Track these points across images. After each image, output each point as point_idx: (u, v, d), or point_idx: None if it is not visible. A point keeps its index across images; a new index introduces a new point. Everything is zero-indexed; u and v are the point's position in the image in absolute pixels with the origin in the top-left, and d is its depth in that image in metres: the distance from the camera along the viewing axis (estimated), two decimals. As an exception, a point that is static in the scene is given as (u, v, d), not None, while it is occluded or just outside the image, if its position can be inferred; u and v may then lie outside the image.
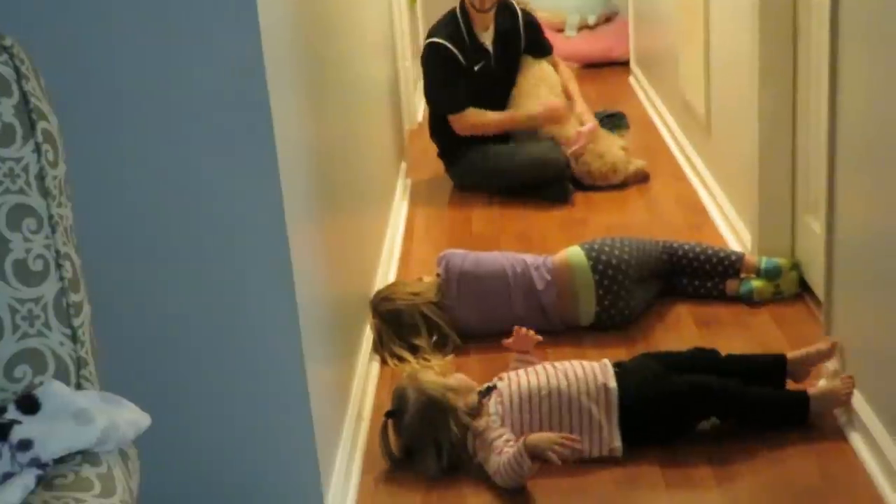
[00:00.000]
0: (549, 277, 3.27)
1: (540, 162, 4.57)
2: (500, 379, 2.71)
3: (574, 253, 3.30)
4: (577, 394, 2.62)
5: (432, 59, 4.78)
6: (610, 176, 4.68)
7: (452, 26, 4.75)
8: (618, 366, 2.75)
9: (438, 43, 4.73)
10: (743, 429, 2.67)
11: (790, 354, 2.78)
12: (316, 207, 2.51)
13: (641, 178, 4.74)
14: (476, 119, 4.72)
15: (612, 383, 2.63)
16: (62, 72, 1.89)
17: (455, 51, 4.69)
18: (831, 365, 2.74)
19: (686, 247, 3.43)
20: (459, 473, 2.61)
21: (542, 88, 4.83)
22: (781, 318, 3.27)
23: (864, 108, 2.48)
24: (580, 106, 4.85)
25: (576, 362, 2.73)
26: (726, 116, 4.08)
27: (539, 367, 2.72)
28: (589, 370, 2.67)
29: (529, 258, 3.37)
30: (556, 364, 2.72)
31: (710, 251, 3.43)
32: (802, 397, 2.66)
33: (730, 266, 3.40)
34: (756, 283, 3.37)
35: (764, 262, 3.38)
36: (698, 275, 3.42)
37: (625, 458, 2.61)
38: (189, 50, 1.98)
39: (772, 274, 3.37)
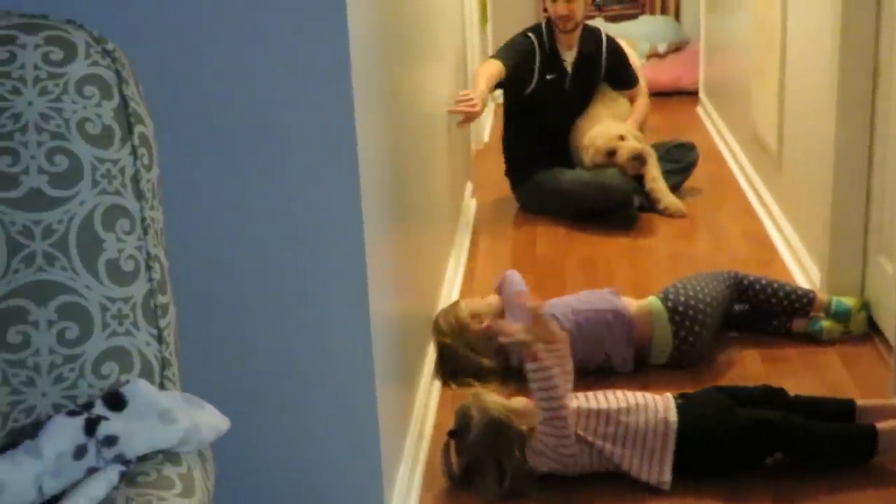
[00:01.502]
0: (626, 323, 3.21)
1: (606, 188, 4.56)
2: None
3: (653, 304, 3.23)
4: (636, 419, 2.61)
5: (514, 37, 4.85)
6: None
7: (540, 34, 4.81)
8: (682, 397, 2.73)
9: (528, 35, 4.82)
10: (809, 466, 2.63)
11: (860, 402, 2.74)
12: (390, 223, 2.53)
13: (674, 214, 4.70)
14: (485, 67, 4.71)
15: (673, 417, 2.62)
16: (152, 78, 1.93)
17: (536, 49, 4.75)
18: None
19: (756, 279, 3.37)
20: (520, 499, 2.60)
21: (605, 118, 4.83)
22: (849, 358, 3.23)
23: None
24: (627, 124, 4.82)
25: (638, 393, 2.72)
26: (799, 151, 4.04)
27: (600, 393, 2.71)
28: (651, 401, 2.67)
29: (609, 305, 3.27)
30: (619, 392, 2.71)
31: (782, 287, 3.37)
32: (871, 431, 2.62)
33: (802, 305, 3.35)
34: (825, 323, 3.33)
35: (834, 304, 3.34)
36: (765, 309, 3.37)
37: (685, 490, 2.59)
38: (279, 63, 2.01)
39: (842, 317, 3.32)
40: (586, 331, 3.14)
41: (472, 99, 4.30)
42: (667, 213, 4.69)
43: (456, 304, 3.42)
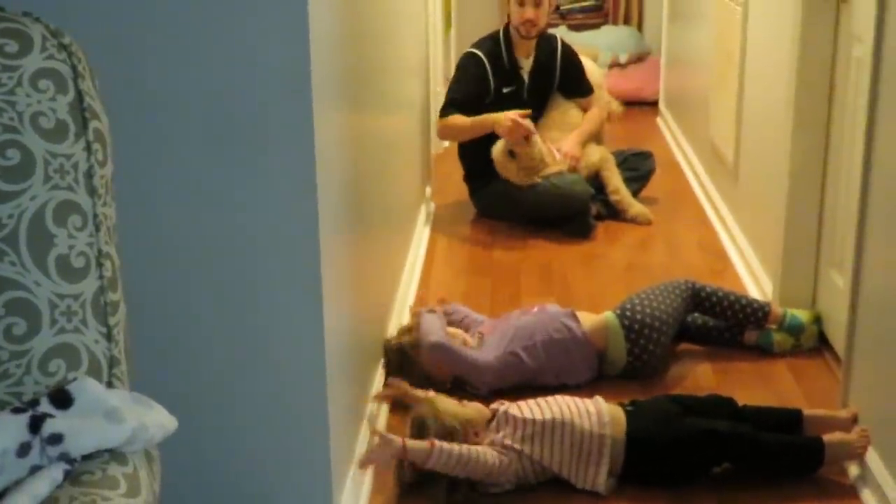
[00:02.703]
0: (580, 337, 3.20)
1: (564, 194, 4.57)
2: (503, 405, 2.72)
3: (610, 321, 3.22)
4: (571, 428, 2.63)
5: (462, 65, 4.83)
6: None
7: (494, 45, 4.79)
8: (633, 404, 2.75)
9: (475, 54, 4.78)
10: (756, 475, 2.66)
11: (807, 412, 2.77)
12: (347, 226, 2.52)
13: (642, 222, 4.74)
14: (451, 122, 4.71)
15: (607, 419, 2.65)
16: (108, 74, 1.91)
17: (488, 67, 4.72)
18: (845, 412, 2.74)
19: (713, 291, 3.36)
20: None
21: (553, 130, 4.83)
22: (798, 370, 3.26)
23: (899, 166, 2.49)
24: (571, 137, 4.80)
25: (575, 399, 2.74)
26: (755, 164, 4.08)
27: (534, 403, 2.72)
28: (584, 407, 2.69)
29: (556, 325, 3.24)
30: (552, 400, 2.72)
31: (738, 300, 3.37)
32: (818, 444, 2.65)
33: (757, 317, 3.36)
34: (777, 336, 3.36)
35: (789, 317, 3.36)
36: (720, 320, 3.39)
37: (630, 496, 2.60)
38: (237, 62, 2.00)
39: (794, 330, 3.35)
40: (545, 363, 3.15)
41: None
42: (635, 222, 4.72)
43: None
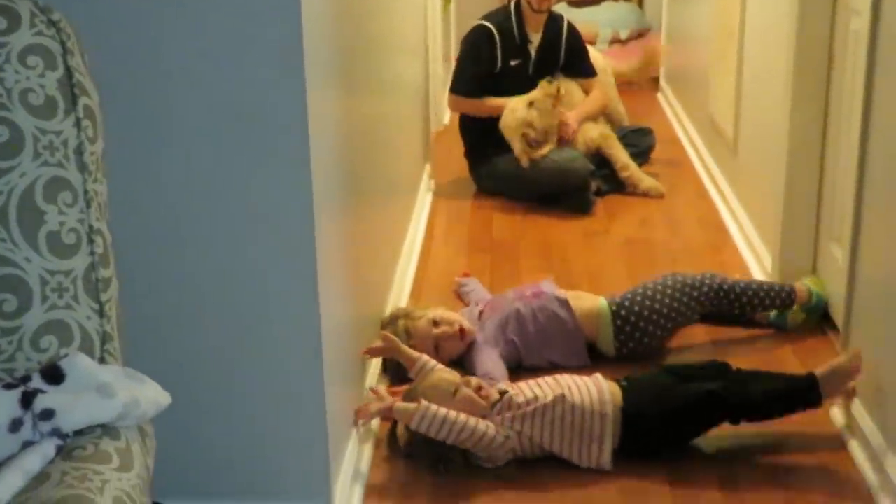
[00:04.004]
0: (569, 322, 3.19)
1: (563, 170, 4.57)
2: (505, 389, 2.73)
3: (602, 311, 3.18)
4: (571, 406, 2.63)
5: (470, 39, 4.86)
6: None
7: (505, 18, 4.81)
8: (627, 379, 2.76)
9: (485, 26, 4.80)
10: (755, 446, 2.68)
11: (819, 370, 2.74)
12: (344, 206, 2.52)
13: (654, 195, 4.75)
14: (466, 100, 4.82)
15: (608, 397, 2.65)
16: (99, 52, 1.91)
17: (497, 40, 4.73)
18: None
19: (733, 284, 3.25)
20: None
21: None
22: (797, 342, 3.27)
23: (895, 137, 2.48)
24: (570, 113, 4.79)
25: (574, 377, 2.74)
26: (754, 138, 4.07)
27: (534, 382, 2.73)
28: (584, 385, 2.69)
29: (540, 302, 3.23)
30: (551, 379, 2.73)
31: (760, 289, 3.28)
32: (810, 378, 2.67)
33: (782, 302, 3.29)
34: (791, 314, 3.33)
35: (815, 298, 3.31)
36: (746, 314, 3.33)
37: (632, 472, 2.61)
38: (230, 40, 2.00)
39: (815, 310, 3.32)
40: (537, 352, 3.15)
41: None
42: (648, 196, 4.73)
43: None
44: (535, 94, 4.62)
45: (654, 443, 2.65)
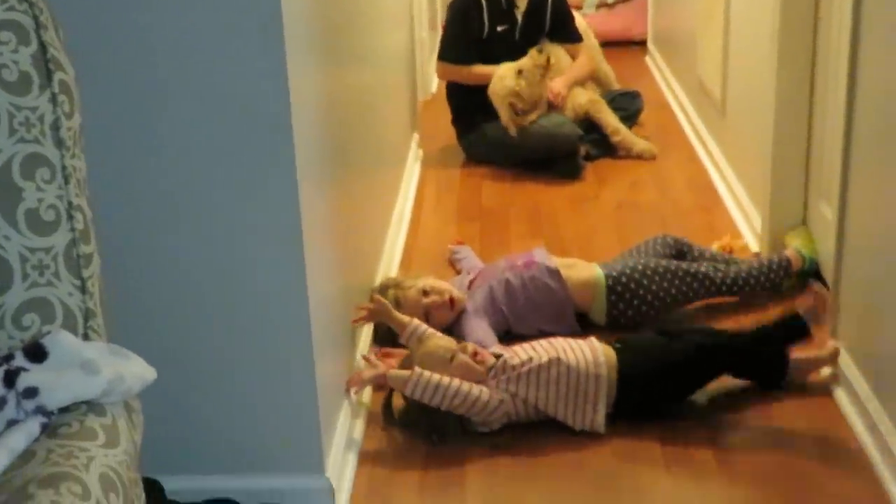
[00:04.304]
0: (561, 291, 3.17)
1: (551, 135, 4.55)
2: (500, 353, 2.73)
3: (598, 283, 3.16)
4: (566, 368, 2.63)
5: (457, 5, 4.84)
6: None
7: None
8: (619, 341, 2.76)
9: None
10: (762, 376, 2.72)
11: (793, 356, 2.77)
12: (329, 171, 2.50)
13: (648, 158, 4.74)
14: (454, 67, 4.81)
15: (602, 359, 2.66)
16: (76, 26, 1.89)
17: (484, 6, 4.73)
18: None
19: (733, 280, 3.22)
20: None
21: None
22: (789, 302, 3.26)
23: (882, 96, 2.47)
24: (558, 78, 4.77)
25: (567, 339, 2.75)
26: (742, 99, 4.06)
27: (528, 345, 2.73)
28: (578, 347, 2.70)
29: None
30: (545, 342, 2.74)
31: (757, 272, 3.26)
32: (795, 315, 2.74)
33: (780, 278, 3.29)
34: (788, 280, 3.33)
35: (808, 264, 3.30)
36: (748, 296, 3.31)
37: (625, 434, 2.62)
38: (207, 6, 1.98)
39: (809, 273, 3.31)
40: (528, 322, 3.14)
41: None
42: (641, 158, 4.73)
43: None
44: (524, 62, 4.60)
45: (650, 402, 2.67)
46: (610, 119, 4.80)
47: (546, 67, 4.58)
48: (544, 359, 2.64)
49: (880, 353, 2.51)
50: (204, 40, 2.00)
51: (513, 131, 4.56)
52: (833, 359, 2.73)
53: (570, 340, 2.74)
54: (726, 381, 2.76)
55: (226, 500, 2.27)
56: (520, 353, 2.69)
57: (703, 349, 2.67)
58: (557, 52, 4.89)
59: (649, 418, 2.65)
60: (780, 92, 3.38)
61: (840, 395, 2.71)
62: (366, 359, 2.71)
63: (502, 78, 4.59)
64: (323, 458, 2.29)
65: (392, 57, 4.22)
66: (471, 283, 3.29)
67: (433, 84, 6.11)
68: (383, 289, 3.09)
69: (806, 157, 3.42)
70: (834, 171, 2.84)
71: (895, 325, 2.40)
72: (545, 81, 4.62)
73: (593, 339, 2.75)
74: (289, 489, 2.28)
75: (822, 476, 2.43)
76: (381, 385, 2.69)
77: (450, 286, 3.18)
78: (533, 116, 4.59)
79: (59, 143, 1.50)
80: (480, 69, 4.74)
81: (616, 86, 5.30)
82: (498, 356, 2.69)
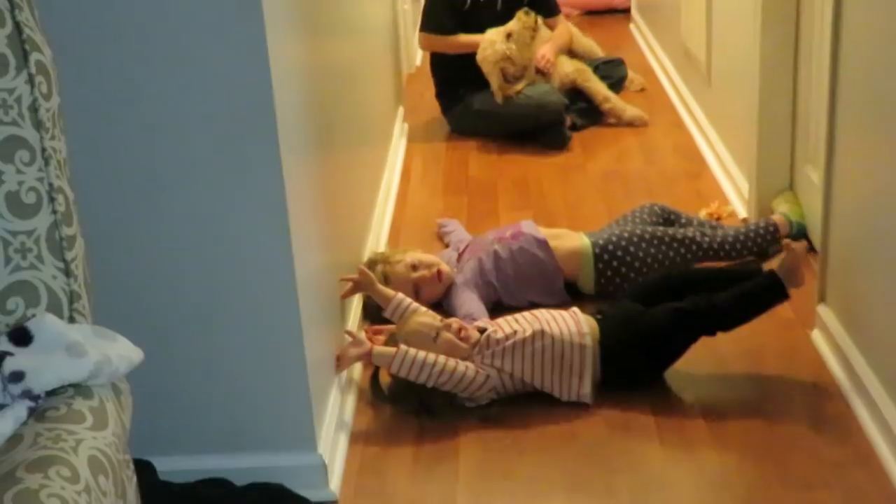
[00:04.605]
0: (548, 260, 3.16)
1: (537, 105, 4.53)
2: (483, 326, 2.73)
3: (584, 252, 3.16)
4: (550, 340, 2.63)
5: None
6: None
7: None
8: (600, 313, 2.75)
9: None
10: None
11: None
12: (313, 147, 2.49)
13: (639, 124, 4.73)
14: (438, 38, 4.78)
15: (586, 330, 2.66)
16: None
17: None
18: None
19: (720, 245, 3.23)
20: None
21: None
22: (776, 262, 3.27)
23: (866, 60, 2.46)
24: (544, 46, 4.76)
25: (551, 311, 2.74)
26: (727, 65, 4.05)
27: (520, 315, 2.73)
28: (562, 318, 2.70)
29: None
30: (529, 315, 2.73)
31: (744, 237, 3.26)
32: (771, 275, 2.69)
33: (767, 243, 3.29)
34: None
35: (795, 228, 3.31)
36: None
37: (617, 405, 2.62)
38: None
39: (795, 237, 3.32)
40: (517, 293, 3.13)
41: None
42: (633, 125, 4.72)
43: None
44: (512, 25, 4.58)
45: (635, 371, 2.67)
46: (599, 87, 4.79)
47: (535, 29, 4.57)
48: (528, 332, 2.63)
49: (867, 314, 2.51)
50: (182, 15, 1.97)
51: (500, 99, 4.54)
52: (791, 249, 2.69)
53: (554, 312, 2.74)
54: (716, 346, 2.76)
55: (219, 479, 2.27)
56: (504, 326, 2.69)
57: (679, 314, 2.65)
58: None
59: (636, 387, 2.66)
60: (764, 57, 3.38)
61: (827, 355, 2.72)
62: (350, 335, 2.70)
63: (493, 42, 4.57)
64: (315, 434, 2.28)
65: (375, 30, 4.20)
66: (459, 256, 3.29)
67: (417, 57, 6.07)
68: (371, 264, 3.08)
69: (792, 121, 3.42)
70: (820, 134, 2.84)
71: (881, 285, 2.41)
72: (534, 45, 4.61)
73: (576, 310, 2.74)
74: (281, 467, 2.27)
75: (815, 442, 2.43)
76: (369, 363, 2.69)
77: (438, 260, 3.18)
78: (520, 86, 4.58)
79: (38, 125, 1.49)
80: (464, 38, 4.72)
81: (601, 54, 5.28)
82: (482, 331, 2.69)
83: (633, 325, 2.67)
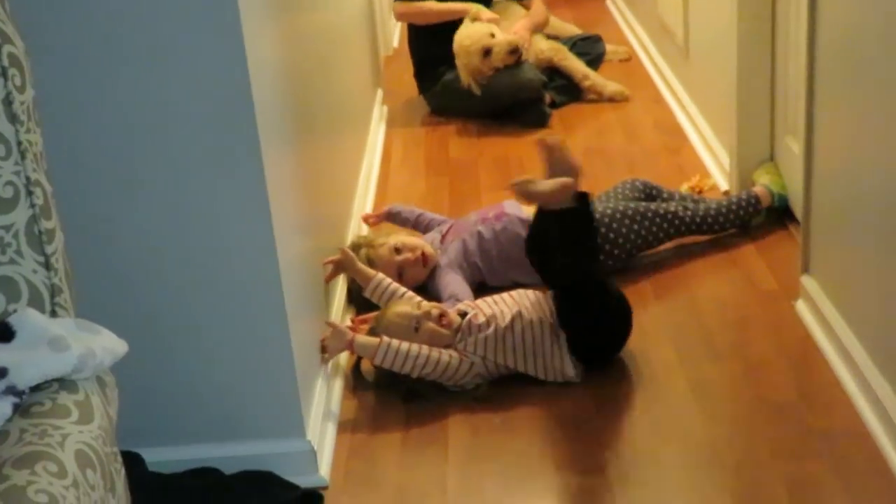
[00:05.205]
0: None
1: (515, 83, 4.52)
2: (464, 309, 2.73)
3: None
4: (521, 324, 2.62)
5: None
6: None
7: None
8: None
9: None
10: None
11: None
12: (292, 133, 2.48)
13: (620, 99, 4.73)
14: (415, 7, 4.74)
15: (553, 309, 2.65)
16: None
17: None
18: None
19: (703, 219, 3.23)
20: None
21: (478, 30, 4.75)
22: (758, 236, 3.29)
23: (843, 27, 2.46)
24: (520, 23, 4.76)
25: (531, 293, 2.73)
26: (705, 38, 4.04)
27: (499, 297, 2.73)
28: (530, 299, 2.69)
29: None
30: (499, 299, 2.72)
31: (725, 209, 3.26)
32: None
33: (749, 214, 3.30)
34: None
35: (777, 200, 3.31)
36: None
37: (604, 382, 2.63)
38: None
39: (777, 209, 3.32)
40: (501, 273, 3.12)
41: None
42: (613, 101, 4.72)
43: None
44: (496, 43, 4.49)
45: (598, 348, 2.66)
46: (577, 65, 4.78)
47: (516, 53, 4.53)
48: (507, 318, 2.62)
49: (851, 283, 2.52)
50: (158, 3, 1.96)
51: (476, 90, 4.53)
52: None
53: (530, 293, 2.73)
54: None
55: (208, 468, 2.26)
56: (484, 308, 2.68)
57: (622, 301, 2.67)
58: (512, 6, 4.87)
59: (609, 362, 2.67)
60: (741, 29, 3.37)
61: (812, 326, 2.72)
62: (331, 325, 2.67)
63: (469, 54, 4.51)
64: (303, 420, 2.28)
65: (350, 12, 4.18)
66: (443, 238, 3.28)
67: (395, 38, 6.05)
68: (355, 248, 3.07)
69: (771, 93, 3.42)
70: (799, 104, 2.84)
71: (864, 254, 2.41)
72: (510, 59, 4.56)
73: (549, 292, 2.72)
74: (271, 454, 2.27)
75: (802, 412, 2.44)
76: (350, 351, 2.66)
77: (422, 242, 3.17)
78: (489, 72, 4.55)
79: (13, 118, 1.47)
80: (438, 6, 4.68)
81: (577, 31, 5.27)
82: (463, 315, 2.68)
83: (588, 304, 2.63)
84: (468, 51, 4.50)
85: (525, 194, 2.63)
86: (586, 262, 2.62)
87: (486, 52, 4.49)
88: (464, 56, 4.51)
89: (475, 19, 4.60)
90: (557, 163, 2.62)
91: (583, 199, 2.58)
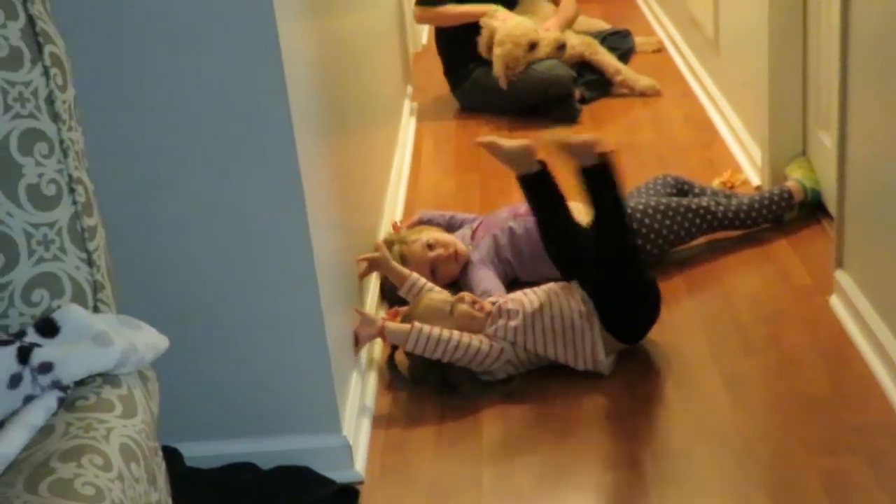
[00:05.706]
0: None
1: (545, 79, 4.52)
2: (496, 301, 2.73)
3: None
4: (556, 312, 2.63)
5: None
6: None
7: None
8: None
9: None
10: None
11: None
12: (325, 129, 2.49)
13: (651, 94, 4.72)
14: (436, 10, 4.74)
15: (588, 306, 2.64)
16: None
17: None
18: None
19: (735, 213, 3.23)
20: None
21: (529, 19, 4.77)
22: (791, 230, 3.28)
23: (876, 18, 2.45)
24: (551, 21, 4.76)
25: (551, 286, 2.73)
26: (735, 32, 4.03)
27: (529, 290, 2.73)
28: (563, 291, 2.69)
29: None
30: (531, 292, 2.72)
31: (757, 204, 3.25)
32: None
33: (782, 209, 3.29)
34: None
35: (810, 195, 3.29)
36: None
37: (637, 373, 2.63)
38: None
39: (810, 204, 3.31)
40: (531, 267, 3.11)
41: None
42: (645, 95, 4.72)
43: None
44: (544, 38, 4.54)
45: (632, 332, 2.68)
46: (609, 59, 4.78)
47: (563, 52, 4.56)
48: (536, 304, 2.64)
49: (885, 278, 2.51)
50: (192, 2, 1.97)
51: (503, 84, 4.53)
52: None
53: (563, 284, 2.73)
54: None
55: (245, 463, 2.29)
56: (514, 299, 2.69)
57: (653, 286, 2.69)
58: (540, 2, 4.87)
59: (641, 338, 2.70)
60: (773, 22, 3.36)
61: (846, 320, 2.71)
62: (360, 313, 2.67)
63: (517, 41, 4.52)
64: (339, 415, 2.30)
65: (380, 9, 4.19)
66: (473, 233, 3.29)
67: (424, 36, 6.06)
68: (388, 244, 3.08)
69: (803, 86, 3.40)
70: (832, 98, 2.83)
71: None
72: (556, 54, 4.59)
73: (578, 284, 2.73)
74: (306, 449, 2.29)
75: (837, 408, 2.43)
76: (381, 338, 2.67)
77: (454, 238, 3.17)
78: (520, 68, 4.56)
79: (55, 117, 1.49)
80: (458, 9, 4.68)
81: (607, 26, 5.26)
82: (494, 302, 2.69)
83: (616, 294, 2.65)
84: (517, 41, 4.51)
85: (490, 148, 2.83)
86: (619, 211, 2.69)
87: (533, 45, 4.51)
88: (509, 44, 4.51)
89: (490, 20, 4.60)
90: (573, 150, 2.70)
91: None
